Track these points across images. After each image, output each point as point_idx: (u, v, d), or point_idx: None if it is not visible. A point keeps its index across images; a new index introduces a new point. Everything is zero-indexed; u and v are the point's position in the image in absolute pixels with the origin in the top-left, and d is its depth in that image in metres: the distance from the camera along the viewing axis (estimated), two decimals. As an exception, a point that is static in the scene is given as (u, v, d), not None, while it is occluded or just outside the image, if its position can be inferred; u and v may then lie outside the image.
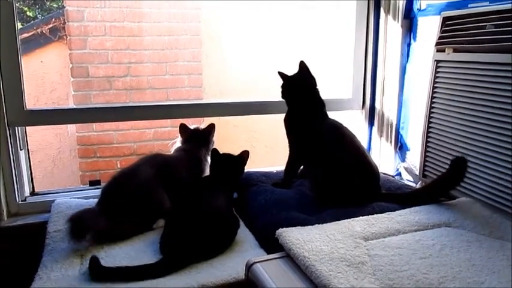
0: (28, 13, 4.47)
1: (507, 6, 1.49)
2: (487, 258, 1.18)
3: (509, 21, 1.46)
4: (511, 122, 1.46)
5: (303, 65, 1.83)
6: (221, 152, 1.77)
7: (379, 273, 1.12)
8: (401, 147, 2.12)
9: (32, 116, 1.78)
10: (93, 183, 2.00)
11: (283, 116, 1.87)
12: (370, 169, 1.71)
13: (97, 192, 1.89)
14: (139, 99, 3.58)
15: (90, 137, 3.56)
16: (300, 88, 1.82)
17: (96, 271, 1.27)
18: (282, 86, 1.86)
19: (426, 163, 1.89)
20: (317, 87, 1.84)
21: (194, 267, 1.33)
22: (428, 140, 1.85)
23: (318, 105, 1.83)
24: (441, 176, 1.64)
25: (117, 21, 3.45)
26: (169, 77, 3.65)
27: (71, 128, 3.71)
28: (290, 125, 1.85)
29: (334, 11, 3.19)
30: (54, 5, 4.47)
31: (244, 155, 1.77)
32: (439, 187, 1.59)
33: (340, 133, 1.75)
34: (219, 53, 3.84)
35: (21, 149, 1.80)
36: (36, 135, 3.60)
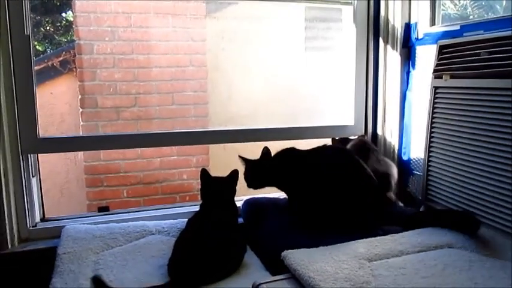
0: (38, 47, 4.61)
1: (500, 34, 1.57)
2: (488, 277, 1.20)
3: (502, 48, 1.52)
4: (509, 144, 1.50)
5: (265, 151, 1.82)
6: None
7: (382, 292, 1.15)
8: (404, 172, 2.15)
9: (44, 144, 1.84)
10: (102, 209, 2.03)
11: (287, 142, 1.90)
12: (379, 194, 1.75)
13: (106, 218, 1.93)
14: (146, 129, 3.64)
15: (98, 166, 3.61)
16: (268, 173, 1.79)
17: None
18: (247, 169, 1.83)
19: (429, 187, 1.92)
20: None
21: (201, 290, 1.35)
22: (430, 163, 1.89)
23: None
24: None
25: (125, 53, 3.56)
26: (176, 107, 3.72)
27: (79, 157, 3.77)
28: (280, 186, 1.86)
29: (336, 42, 3.28)
30: (63, 39, 4.62)
31: (233, 175, 1.76)
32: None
33: (344, 163, 1.74)
34: (224, 82, 3.92)
35: (33, 176, 1.85)
36: (45, 164, 3.65)
